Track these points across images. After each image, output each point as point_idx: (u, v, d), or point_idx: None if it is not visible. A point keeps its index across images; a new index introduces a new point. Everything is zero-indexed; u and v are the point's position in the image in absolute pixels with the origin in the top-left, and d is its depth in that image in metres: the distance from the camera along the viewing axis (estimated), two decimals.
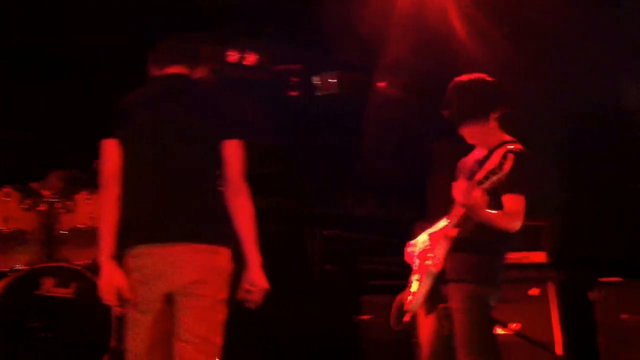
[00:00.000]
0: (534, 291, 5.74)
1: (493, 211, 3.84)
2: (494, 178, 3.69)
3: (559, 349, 5.72)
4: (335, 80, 7.67)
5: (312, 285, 6.94)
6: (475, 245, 3.95)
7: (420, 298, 4.00)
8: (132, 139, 3.52)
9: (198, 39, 3.75)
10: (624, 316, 5.80)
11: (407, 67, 7.45)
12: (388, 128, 7.60)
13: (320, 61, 7.77)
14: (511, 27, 7.11)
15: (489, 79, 4.15)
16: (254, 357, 6.66)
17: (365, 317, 6.68)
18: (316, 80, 7.72)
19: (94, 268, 5.68)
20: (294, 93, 7.70)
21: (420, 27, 7.14)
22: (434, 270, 3.95)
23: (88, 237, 5.83)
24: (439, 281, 3.97)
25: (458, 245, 3.94)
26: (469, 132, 4.14)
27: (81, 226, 5.83)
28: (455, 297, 3.93)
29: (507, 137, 4.13)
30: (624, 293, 5.88)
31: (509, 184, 3.77)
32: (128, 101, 3.63)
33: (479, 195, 3.73)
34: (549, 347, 5.72)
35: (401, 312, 4.11)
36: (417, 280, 4.04)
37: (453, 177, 4.32)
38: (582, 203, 6.84)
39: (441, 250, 3.94)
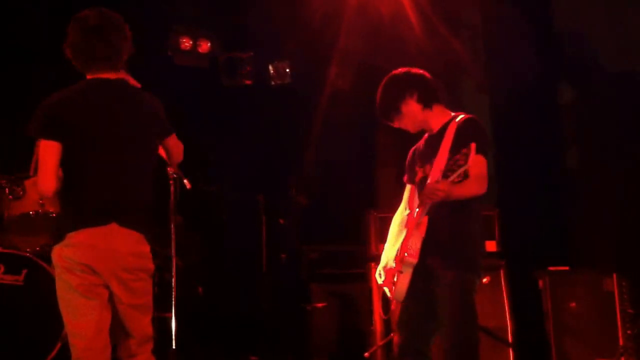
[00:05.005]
0: (486, 279, 5.80)
1: (461, 186, 3.83)
2: (460, 171, 3.71)
3: (509, 336, 5.81)
4: (289, 70, 7.64)
5: (265, 273, 6.92)
6: (451, 233, 3.95)
7: (403, 288, 3.96)
8: (78, 142, 3.59)
9: (123, 39, 3.75)
10: (572, 304, 5.91)
11: (356, 58, 7.48)
12: (336, 117, 7.62)
13: (272, 50, 7.75)
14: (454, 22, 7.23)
15: (398, 71, 4.20)
16: (205, 345, 6.63)
17: (318, 304, 6.70)
18: (271, 69, 7.68)
19: (43, 255, 5.62)
20: (247, 82, 7.66)
21: (370, 19, 7.18)
22: (413, 261, 3.93)
23: (37, 223, 5.76)
24: (419, 271, 3.95)
25: (434, 234, 3.93)
26: (401, 124, 4.17)
27: (31, 212, 5.71)
28: (439, 285, 3.91)
29: (451, 113, 4.14)
30: (572, 281, 5.98)
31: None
32: (63, 101, 3.64)
33: (447, 188, 3.75)
34: (501, 334, 5.79)
35: (388, 301, 4.13)
36: (397, 271, 4.01)
37: (400, 165, 4.36)
38: (521, 193, 6.96)
39: (416, 242, 3.93)
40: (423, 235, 3.92)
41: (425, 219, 3.93)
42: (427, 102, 4.10)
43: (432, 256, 3.94)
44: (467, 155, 3.66)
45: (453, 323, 3.88)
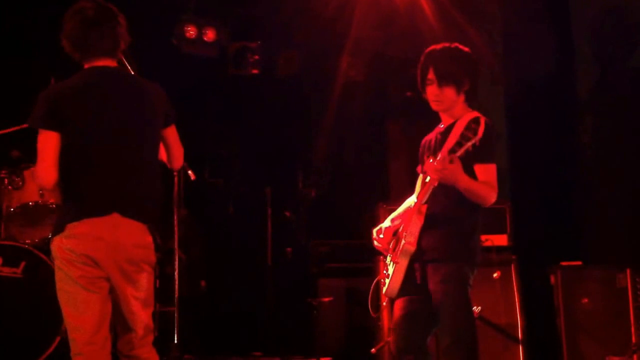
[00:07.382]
0: (496, 274, 5.70)
1: (470, 179, 3.72)
2: (468, 144, 3.56)
3: (520, 333, 5.71)
4: (297, 60, 7.54)
5: (270, 266, 6.86)
6: (451, 224, 3.83)
7: (398, 280, 3.85)
8: (79, 132, 3.53)
9: (120, 30, 3.70)
10: (584, 300, 5.81)
11: (368, 48, 7.38)
12: (346, 109, 7.53)
13: (280, 39, 7.65)
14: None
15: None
16: (208, 339, 6.58)
17: (324, 299, 6.62)
18: (278, 59, 7.59)
19: (43, 247, 5.56)
20: (254, 71, 7.57)
21: (384, 7, 7.08)
22: (410, 248, 3.81)
23: (37, 214, 5.72)
24: (415, 261, 3.83)
25: (434, 224, 3.81)
26: (440, 96, 3.97)
27: (30, 203, 5.65)
28: (436, 278, 3.80)
29: (471, 110, 4.00)
30: (584, 277, 5.87)
31: (481, 153, 3.68)
32: (64, 91, 3.59)
33: (453, 166, 3.60)
34: (511, 331, 5.69)
35: (378, 297, 4.01)
36: (392, 262, 3.90)
37: (412, 158, 4.25)
38: (534, 187, 6.85)
39: (415, 228, 3.80)
40: (422, 222, 3.80)
41: (424, 207, 3.81)
42: (468, 99, 3.99)
43: (431, 246, 3.82)
44: (475, 130, 3.52)
45: (454, 319, 3.77)
